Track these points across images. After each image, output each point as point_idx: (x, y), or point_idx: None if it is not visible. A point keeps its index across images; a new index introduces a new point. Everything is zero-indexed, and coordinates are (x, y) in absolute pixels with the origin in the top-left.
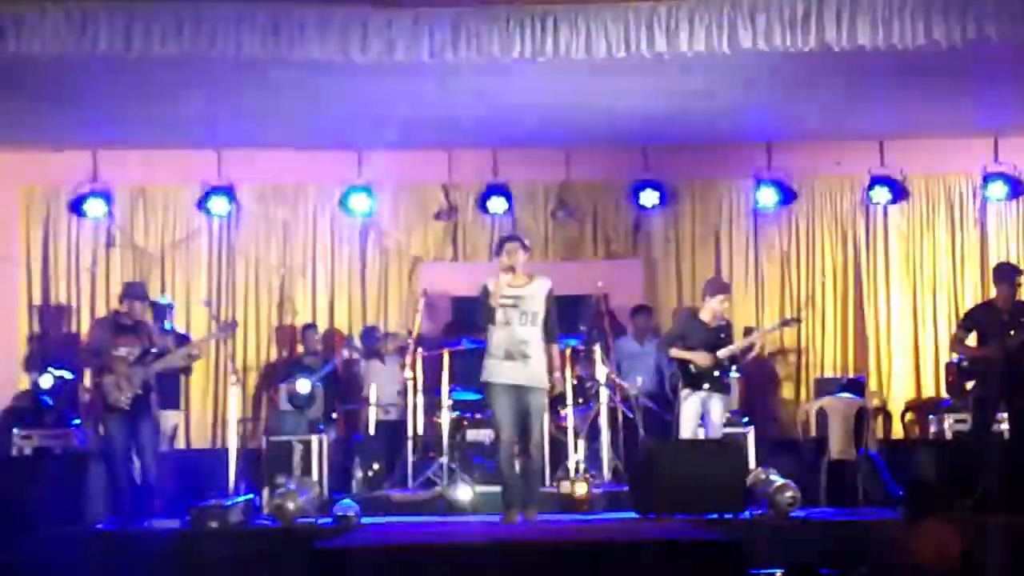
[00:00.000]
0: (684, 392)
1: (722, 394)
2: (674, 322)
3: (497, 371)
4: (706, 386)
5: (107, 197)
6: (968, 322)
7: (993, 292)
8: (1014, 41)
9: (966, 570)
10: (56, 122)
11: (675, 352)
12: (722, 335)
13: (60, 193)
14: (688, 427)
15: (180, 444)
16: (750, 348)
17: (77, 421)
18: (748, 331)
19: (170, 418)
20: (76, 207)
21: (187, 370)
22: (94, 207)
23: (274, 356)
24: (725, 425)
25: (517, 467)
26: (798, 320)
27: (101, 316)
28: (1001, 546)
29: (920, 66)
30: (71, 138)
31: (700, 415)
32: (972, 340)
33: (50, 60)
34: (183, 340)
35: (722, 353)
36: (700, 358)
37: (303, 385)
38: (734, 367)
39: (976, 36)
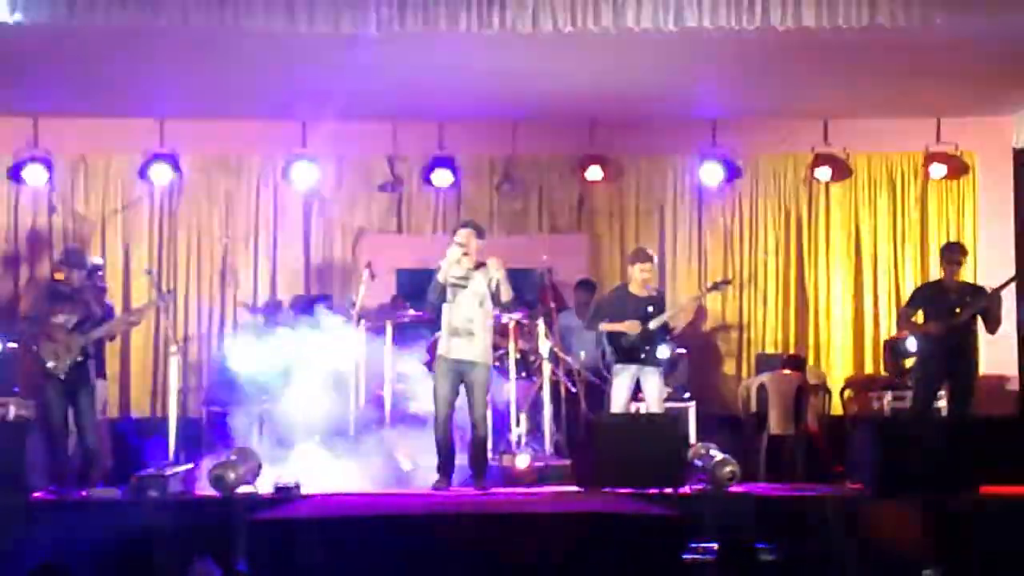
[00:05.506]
0: (617, 367)
1: (656, 368)
2: (603, 298)
3: (444, 346)
4: (640, 359)
5: (48, 164)
6: (915, 300)
7: (936, 271)
8: (958, 27)
9: (918, 549)
10: None
11: (604, 326)
12: (650, 307)
13: None
14: (618, 402)
15: (112, 413)
16: (686, 312)
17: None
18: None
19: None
20: (16, 174)
21: (111, 337)
22: (34, 174)
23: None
24: (667, 400)
25: (456, 441)
26: (728, 282)
27: (38, 283)
28: (945, 526)
29: (865, 47)
30: (11, 105)
31: (632, 390)
32: (918, 318)
33: None
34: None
35: (653, 323)
36: (629, 326)
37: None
38: (668, 340)
39: (920, 20)
